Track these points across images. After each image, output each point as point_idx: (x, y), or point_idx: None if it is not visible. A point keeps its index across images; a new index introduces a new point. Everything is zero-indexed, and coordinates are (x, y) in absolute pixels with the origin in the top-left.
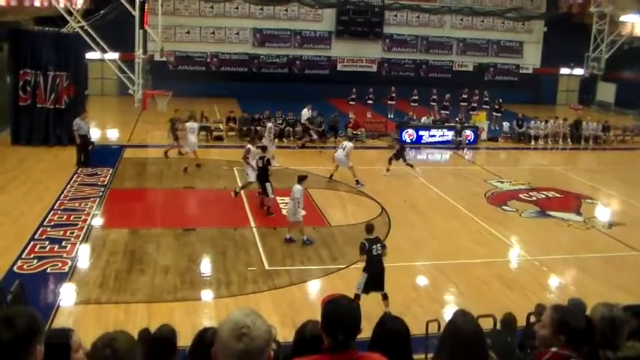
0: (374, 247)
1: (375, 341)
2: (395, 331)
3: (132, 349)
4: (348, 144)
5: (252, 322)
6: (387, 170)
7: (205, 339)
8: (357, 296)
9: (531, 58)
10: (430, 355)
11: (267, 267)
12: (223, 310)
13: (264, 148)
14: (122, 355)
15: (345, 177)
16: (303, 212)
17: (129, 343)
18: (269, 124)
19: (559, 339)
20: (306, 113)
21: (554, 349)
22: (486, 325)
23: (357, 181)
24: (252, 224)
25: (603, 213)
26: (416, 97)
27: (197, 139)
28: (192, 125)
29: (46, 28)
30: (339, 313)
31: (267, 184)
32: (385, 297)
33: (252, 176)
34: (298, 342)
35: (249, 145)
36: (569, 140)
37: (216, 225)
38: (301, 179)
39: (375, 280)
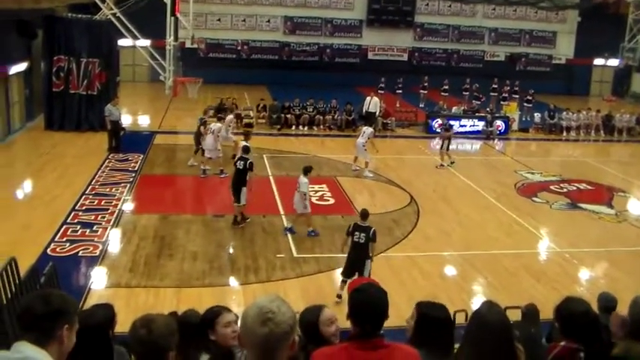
0: (357, 233)
1: (419, 329)
2: (439, 319)
3: (168, 334)
4: (368, 129)
5: (277, 307)
6: (443, 164)
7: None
8: (343, 281)
9: (564, 49)
10: (457, 345)
11: (295, 254)
12: (251, 296)
13: (246, 149)
14: (156, 337)
15: (374, 166)
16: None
17: (167, 327)
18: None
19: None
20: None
21: (562, 343)
22: (514, 316)
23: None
24: (282, 211)
25: (636, 206)
26: (447, 87)
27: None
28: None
29: (80, 15)
30: (368, 302)
31: (244, 189)
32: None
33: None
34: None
35: (246, 144)
36: (601, 132)
37: (245, 212)
38: (307, 171)
39: (354, 266)
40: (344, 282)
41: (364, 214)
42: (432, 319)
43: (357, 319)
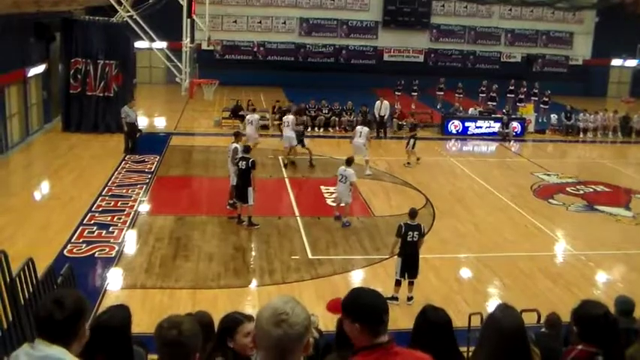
0: (410, 232)
1: (418, 333)
2: (437, 323)
3: (196, 334)
4: (364, 129)
5: (291, 309)
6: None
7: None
8: (398, 282)
9: (581, 49)
10: (472, 349)
11: (310, 256)
12: (266, 298)
13: (247, 149)
14: (186, 338)
15: (390, 168)
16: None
17: (194, 327)
18: None
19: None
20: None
21: (580, 347)
22: (530, 319)
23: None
24: (297, 213)
25: None
26: (462, 88)
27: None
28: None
29: (97, 18)
30: (363, 302)
31: (250, 189)
32: (411, 283)
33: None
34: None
35: (236, 145)
36: (619, 133)
37: (260, 213)
38: (350, 162)
39: (408, 265)
40: (399, 282)
41: (413, 213)
42: (428, 322)
43: (375, 323)
